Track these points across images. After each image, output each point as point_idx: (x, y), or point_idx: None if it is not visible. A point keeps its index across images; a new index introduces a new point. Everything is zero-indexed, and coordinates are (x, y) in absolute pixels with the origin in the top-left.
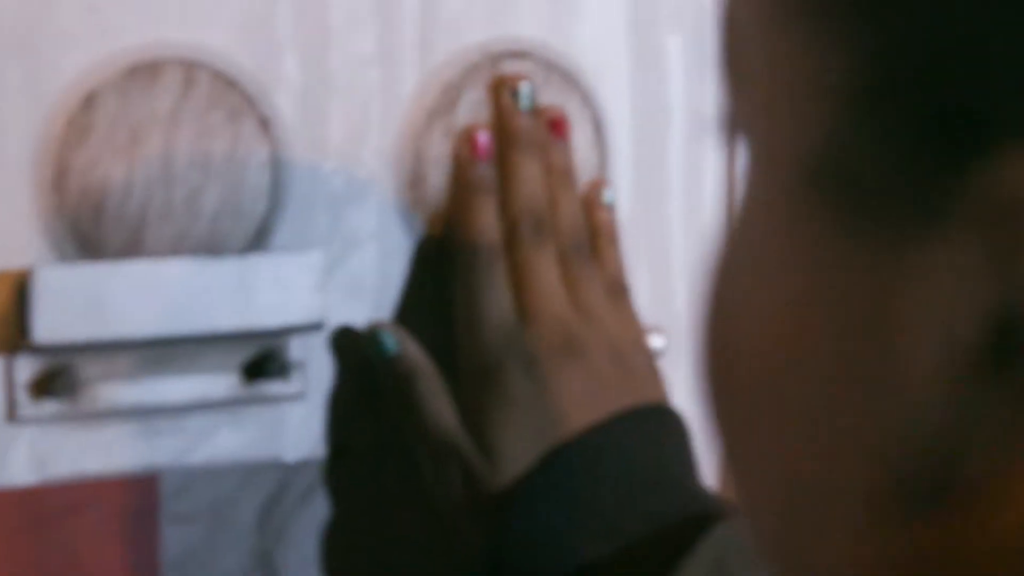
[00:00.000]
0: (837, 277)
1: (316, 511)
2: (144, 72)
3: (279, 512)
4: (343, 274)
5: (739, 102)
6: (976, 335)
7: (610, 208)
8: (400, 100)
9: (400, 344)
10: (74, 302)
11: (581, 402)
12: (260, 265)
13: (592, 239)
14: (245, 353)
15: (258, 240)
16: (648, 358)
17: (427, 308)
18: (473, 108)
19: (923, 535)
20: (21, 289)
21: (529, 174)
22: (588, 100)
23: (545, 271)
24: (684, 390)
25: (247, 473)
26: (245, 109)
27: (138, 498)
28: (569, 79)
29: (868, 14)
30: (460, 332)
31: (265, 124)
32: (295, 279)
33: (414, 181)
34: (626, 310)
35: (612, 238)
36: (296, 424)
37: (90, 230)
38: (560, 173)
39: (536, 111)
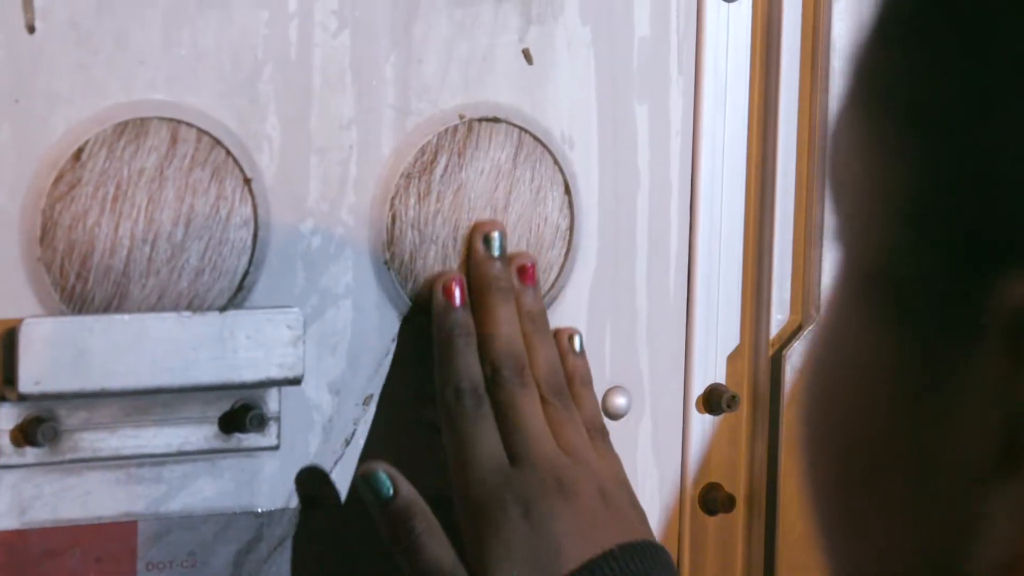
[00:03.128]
0: (893, 378)
1: (289, 560)
2: (131, 130)
3: (253, 560)
4: (319, 330)
5: (835, 213)
6: (1001, 435)
7: (581, 354)
8: (377, 161)
9: (394, 485)
10: (58, 354)
11: (575, 540)
12: (240, 320)
13: (568, 383)
14: (223, 405)
15: (238, 296)
16: (631, 495)
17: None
18: (447, 171)
19: None
20: (7, 340)
21: (506, 316)
22: (559, 165)
23: (532, 414)
24: (647, 446)
25: (223, 522)
26: (228, 168)
27: (116, 544)
28: (541, 144)
29: (922, 142)
30: (454, 474)
31: (247, 183)
32: (273, 334)
33: (389, 240)
34: (607, 449)
35: (586, 381)
36: (271, 475)
37: (75, 284)
38: (532, 318)
39: (508, 256)
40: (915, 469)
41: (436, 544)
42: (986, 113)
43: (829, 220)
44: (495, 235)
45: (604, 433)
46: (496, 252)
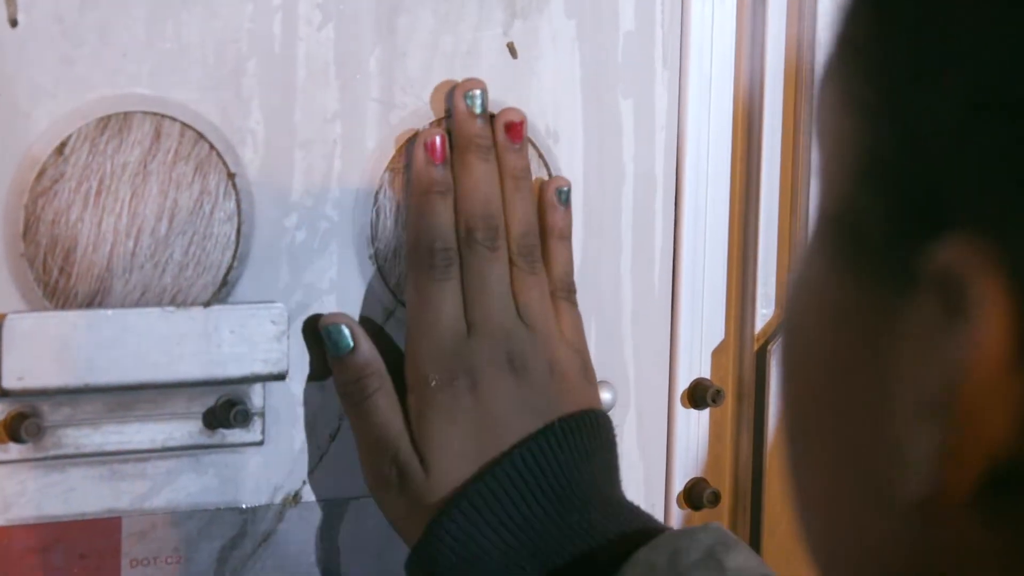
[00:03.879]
0: (849, 318)
1: (273, 555)
2: (114, 124)
3: (237, 556)
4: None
5: (818, 160)
6: (938, 387)
7: (564, 206)
8: (361, 155)
9: (355, 340)
10: (41, 349)
11: (518, 416)
12: (224, 316)
13: (544, 239)
14: (207, 401)
15: (222, 291)
16: (583, 362)
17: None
18: None
19: (922, 541)
20: None
21: (484, 175)
22: (544, 159)
23: (496, 280)
24: (632, 441)
25: (207, 518)
26: (212, 162)
27: (100, 541)
28: (526, 139)
29: (885, 101)
30: (410, 335)
31: (231, 177)
32: (258, 330)
33: (374, 235)
34: (570, 311)
35: (563, 236)
36: (255, 471)
37: (58, 279)
38: (515, 175)
39: (495, 114)
40: (861, 408)
41: (386, 405)
42: (938, 79)
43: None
44: (477, 92)
45: (571, 291)
46: (478, 109)
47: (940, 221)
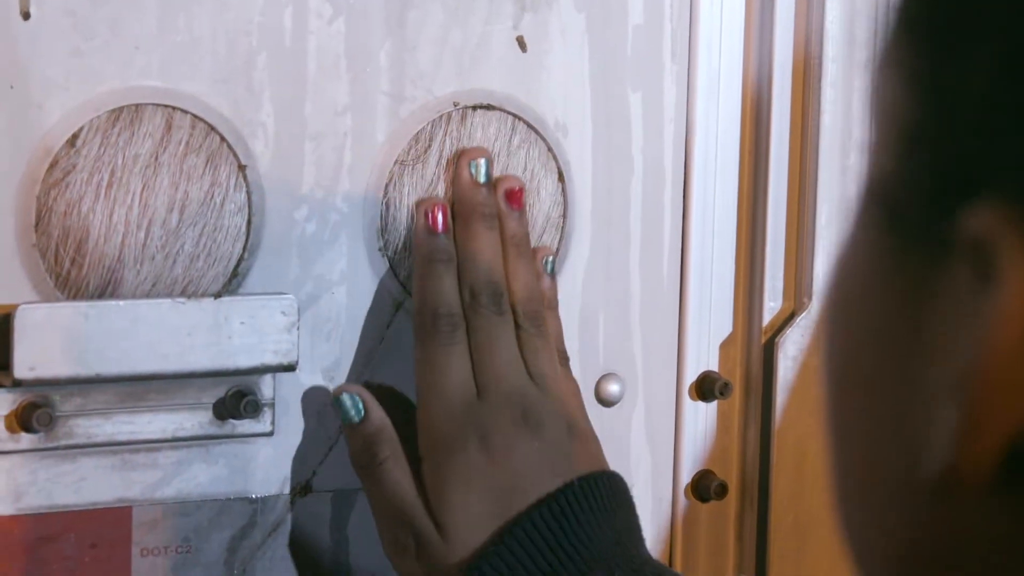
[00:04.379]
0: (888, 288)
1: (283, 545)
2: (126, 116)
3: (247, 546)
4: (314, 316)
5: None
6: (966, 357)
7: (550, 276)
8: (372, 148)
9: (365, 409)
10: (53, 340)
11: (536, 474)
12: (234, 307)
13: None
14: (218, 392)
15: (232, 282)
16: (590, 424)
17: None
18: (442, 158)
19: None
20: (2, 326)
21: (488, 242)
22: (553, 152)
23: (505, 344)
24: (640, 433)
25: (217, 508)
26: (223, 154)
27: (111, 530)
28: (534, 132)
29: (929, 75)
30: (420, 401)
31: (242, 169)
32: (268, 321)
33: (384, 227)
34: (570, 376)
35: (552, 304)
36: (265, 461)
37: (70, 270)
38: (516, 242)
39: (495, 180)
40: (896, 381)
41: (399, 473)
42: (972, 47)
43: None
44: (482, 161)
45: (566, 358)
46: (482, 179)
47: (972, 189)
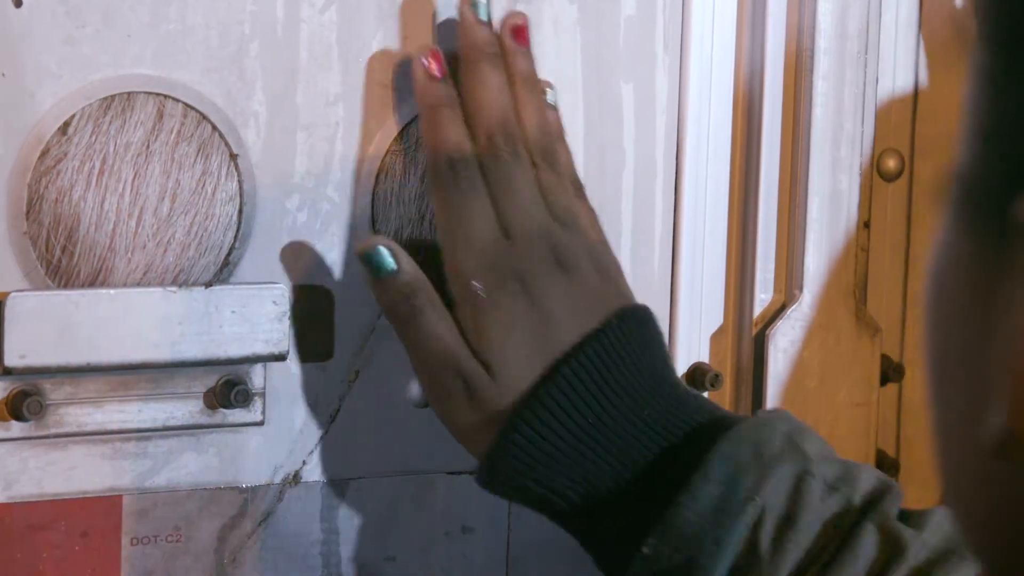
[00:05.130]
0: (965, 276)
1: (273, 535)
2: (118, 104)
3: (237, 535)
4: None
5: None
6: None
7: (554, 107)
8: (363, 137)
9: (396, 260)
10: (44, 328)
11: (573, 314)
12: (225, 296)
13: None
14: (208, 381)
15: (224, 271)
16: (614, 257)
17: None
18: None
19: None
20: None
21: (497, 83)
22: None
23: (525, 185)
24: None
25: (207, 497)
26: (215, 143)
27: (101, 519)
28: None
29: (1003, 68)
30: (448, 251)
31: (233, 158)
32: (259, 310)
33: (375, 216)
34: (587, 206)
35: (561, 136)
36: (256, 451)
37: (61, 258)
38: (525, 79)
39: (502, 19)
40: (974, 357)
41: (439, 318)
42: None
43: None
44: (482, 0)
45: (581, 188)
46: (484, 17)
47: None
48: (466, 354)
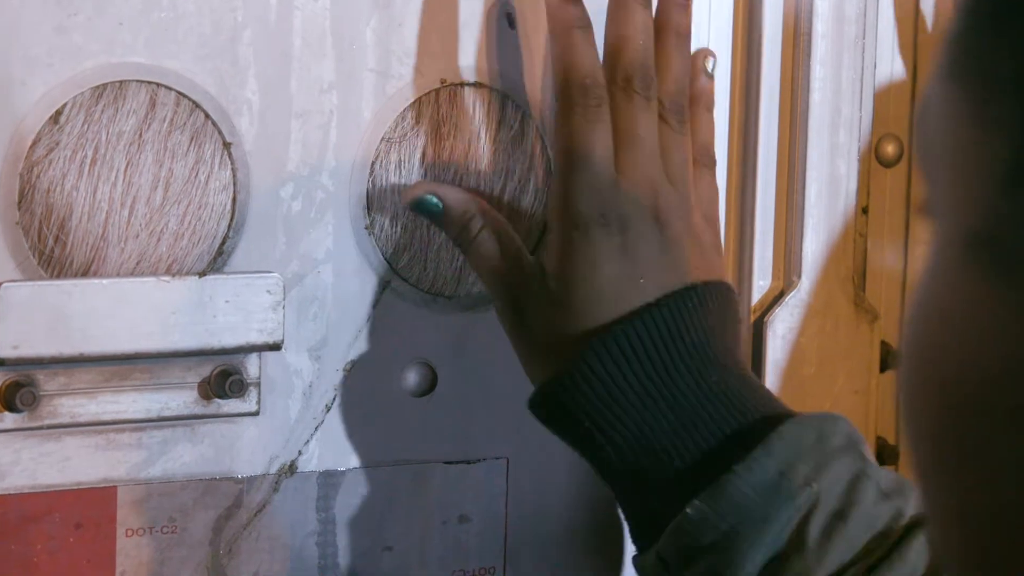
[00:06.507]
0: (986, 328)
1: (268, 525)
2: (110, 93)
3: (233, 526)
4: (299, 295)
5: (929, 187)
6: None
7: (711, 77)
8: (358, 125)
9: (440, 198)
10: (37, 318)
11: (658, 270)
12: (219, 285)
13: (691, 105)
14: (203, 371)
15: (218, 261)
16: (717, 231)
17: None
18: (429, 135)
19: None
20: None
21: (642, 24)
22: (539, 131)
23: (649, 132)
24: None
25: (202, 488)
26: (208, 132)
27: (95, 510)
28: (522, 110)
29: (1021, 114)
30: (560, 172)
31: (227, 147)
32: (253, 299)
33: (370, 205)
34: (709, 180)
35: (709, 106)
36: (251, 441)
37: (54, 248)
38: (679, 32)
39: None
40: (1001, 423)
41: (501, 235)
42: None
43: (924, 192)
44: None
45: (712, 162)
46: None
47: None
48: (536, 271)
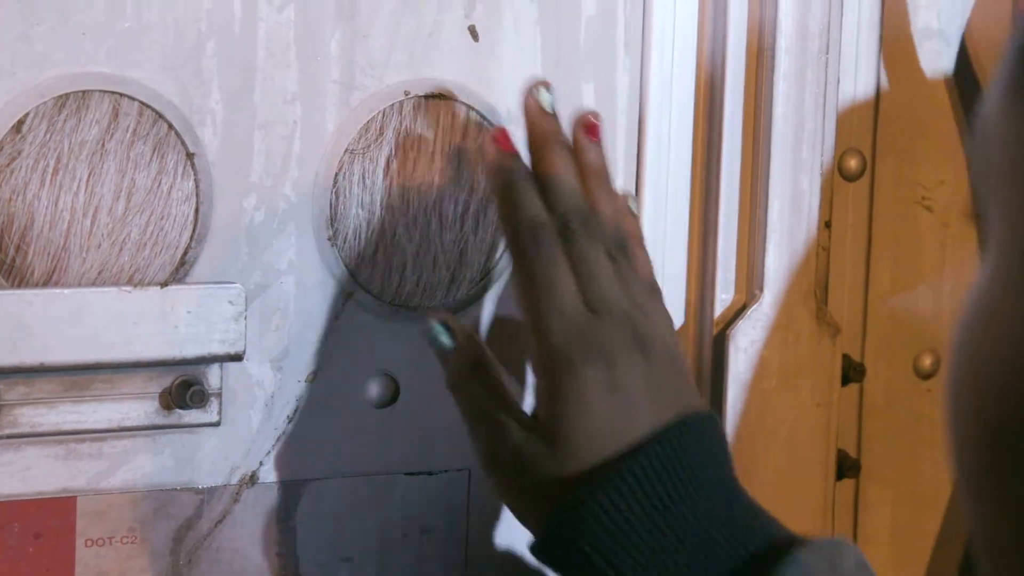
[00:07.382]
0: None
1: (229, 536)
2: (73, 102)
3: (193, 536)
4: (262, 305)
5: (986, 199)
6: None
7: (636, 216)
8: (321, 137)
9: (455, 337)
10: None
11: (647, 404)
12: (181, 296)
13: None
14: (164, 381)
15: (180, 271)
16: (684, 358)
17: None
18: (393, 147)
19: None
20: None
21: (567, 171)
22: None
23: (605, 267)
24: None
25: (163, 498)
26: (171, 142)
27: (55, 520)
28: (487, 121)
29: None
30: (532, 321)
31: (190, 157)
32: (215, 310)
33: (333, 216)
34: (662, 308)
35: (640, 242)
36: (212, 451)
37: (15, 257)
38: (599, 173)
39: (575, 117)
40: None
41: (497, 384)
42: None
43: (980, 201)
44: (544, 91)
45: (659, 293)
46: (549, 109)
47: None
48: (518, 416)
